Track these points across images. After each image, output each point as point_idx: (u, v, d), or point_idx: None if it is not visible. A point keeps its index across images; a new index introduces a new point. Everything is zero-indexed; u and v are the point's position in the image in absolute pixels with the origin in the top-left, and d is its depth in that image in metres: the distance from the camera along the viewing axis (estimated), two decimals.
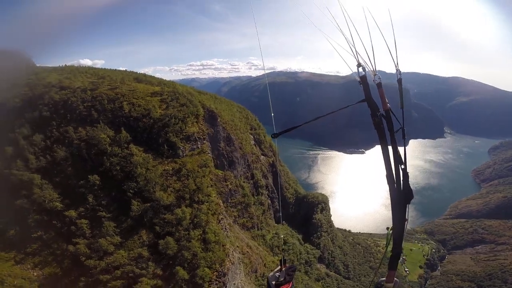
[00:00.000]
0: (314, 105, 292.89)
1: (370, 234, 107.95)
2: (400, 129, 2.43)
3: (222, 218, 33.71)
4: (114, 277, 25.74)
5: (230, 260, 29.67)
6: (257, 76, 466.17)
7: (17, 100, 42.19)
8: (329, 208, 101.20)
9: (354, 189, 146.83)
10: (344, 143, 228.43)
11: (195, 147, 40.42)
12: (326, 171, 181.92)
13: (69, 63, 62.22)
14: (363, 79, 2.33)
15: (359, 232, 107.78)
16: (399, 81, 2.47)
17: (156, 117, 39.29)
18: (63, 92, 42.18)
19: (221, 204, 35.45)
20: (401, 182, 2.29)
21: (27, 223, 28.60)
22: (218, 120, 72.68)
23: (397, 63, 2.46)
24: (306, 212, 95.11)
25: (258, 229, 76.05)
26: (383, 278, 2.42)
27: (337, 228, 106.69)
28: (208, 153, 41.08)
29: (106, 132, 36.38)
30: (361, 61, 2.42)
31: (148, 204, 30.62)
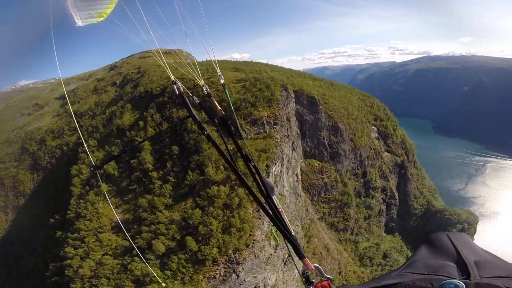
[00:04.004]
0: (492, 96, 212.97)
1: None
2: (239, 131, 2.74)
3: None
4: (149, 230, 31.67)
5: (253, 252, 29.00)
6: (402, 62, 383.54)
7: (158, 89, 59.04)
8: (475, 230, 77.06)
9: None
10: None
11: (261, 131, 41.12)
12: (495, 185, 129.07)
13: (223, 58, 78.49)
14: (180, 96, 2.48)
15: None
16: (223, 86, 2.69)
17: (230, 101, 43.05)
18: (181, 82, 54.28)
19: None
20: (257, 177, 2.35)
21: (132, 178, 40.20)
22: (320, 107, 68.78)
23: (219, 70, 2.62)
24: (435, 229, 75.65)
25: (352, 234, 68.05)
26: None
27: None
28: (276, 139, 40.50)
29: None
30: (174, 77, 2.49)
31: (201, 177, 35.01)
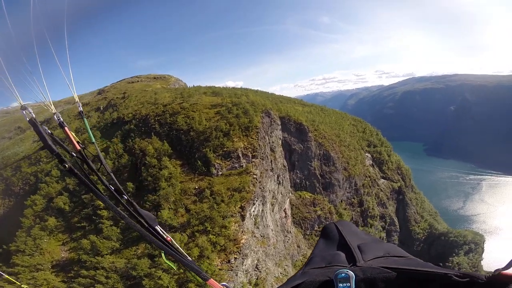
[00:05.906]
0: (478, 113, 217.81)
1: None
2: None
3: (236, 258, 26.73)
4: (88, 275, 26.80)
5: None
6: (390, 85, 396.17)
7: (129, 115, 53.71)
8: (483, 249, 73.91)
9: None
10: None
11: (236, 165, 35.51)
12: (494, 202, 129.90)
13: (218, 85, 73.31)
14: (32, 123, 1.97)
15: None
16: (81, 113, 2.59)
17: (199, 130, 37.92)
18: (152, 107, 49.41)
19: (243, 240, 28.29)
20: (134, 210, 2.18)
21: (82, 215, 34.90)
22: (309, 135, 64.43)
23: (78, 100, 2.43)
24: (441, 253, 73.74)
25: None
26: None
27: None
28: (254, 174, 34.87)
29: (154, 145, 38.58)
30: (27, 102, 2.06)
31: (158, 220, 28.98)
